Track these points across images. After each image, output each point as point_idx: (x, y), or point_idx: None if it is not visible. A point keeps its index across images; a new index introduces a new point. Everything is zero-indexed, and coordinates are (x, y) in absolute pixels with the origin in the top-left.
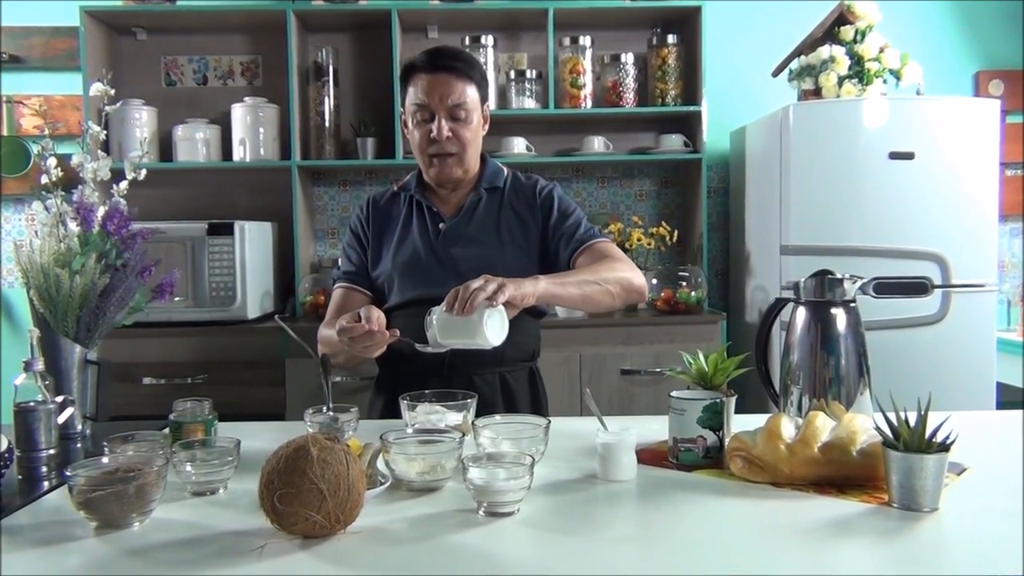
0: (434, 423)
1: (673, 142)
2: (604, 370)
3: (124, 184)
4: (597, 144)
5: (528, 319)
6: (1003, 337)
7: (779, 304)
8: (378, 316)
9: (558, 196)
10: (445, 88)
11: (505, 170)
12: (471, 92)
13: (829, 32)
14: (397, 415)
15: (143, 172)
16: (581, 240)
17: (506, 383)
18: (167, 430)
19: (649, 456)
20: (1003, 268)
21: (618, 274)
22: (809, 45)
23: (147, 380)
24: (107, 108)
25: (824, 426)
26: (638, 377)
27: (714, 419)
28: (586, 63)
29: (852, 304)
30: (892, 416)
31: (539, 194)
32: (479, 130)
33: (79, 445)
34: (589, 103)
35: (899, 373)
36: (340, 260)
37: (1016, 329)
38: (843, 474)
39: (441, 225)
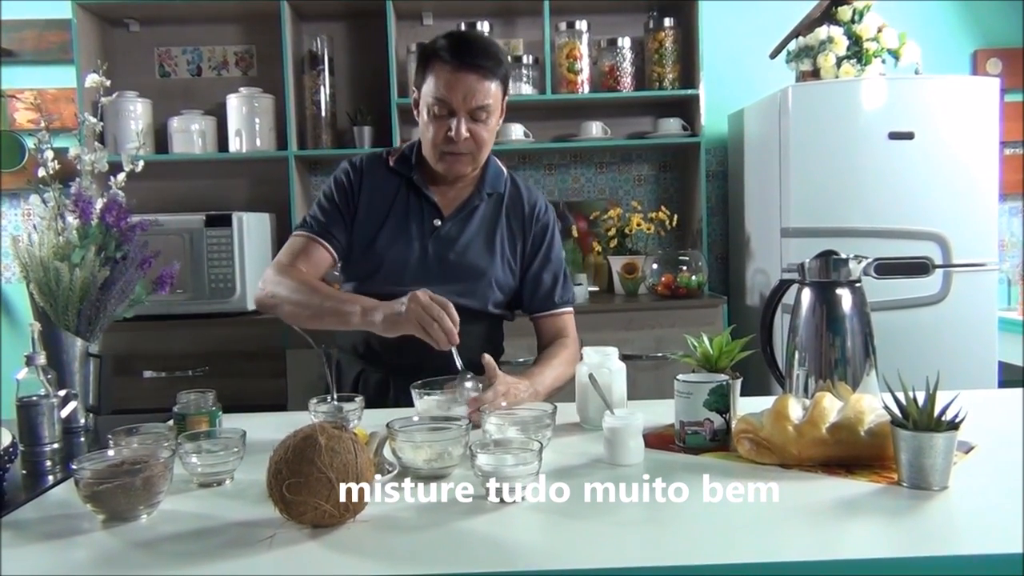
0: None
1: (671, 126)
2: None
3: (122, 176)
4: (595, 129)
5: (496, 325)
6: (1004, 316)
7: (783, 286)
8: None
9: (551, 234)
10: (469, 88)
11: (504, 171)
12: (495, 90)
13: (827, 13)
14: (389, 393)
15: (140, 164)
16: (553, 303)
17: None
18: (171, 422)
19: (656, 440)
20: (1003, 247)
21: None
22: (807, 26)
23: (148, 373)
24: (102, 100)
25: (831, 407)
26: (640, 362)
27: (720, 402)
28: (583, 48)
29: (857, 284)
30: (901, 395)
31: (535, 220)
32: (496, 126)
33: (82, 439)
34: (586, 88)
35: (901, 353)
36: (312, 207)
37: (1017, 308)
38: (851, 454)
39: (436, 222)
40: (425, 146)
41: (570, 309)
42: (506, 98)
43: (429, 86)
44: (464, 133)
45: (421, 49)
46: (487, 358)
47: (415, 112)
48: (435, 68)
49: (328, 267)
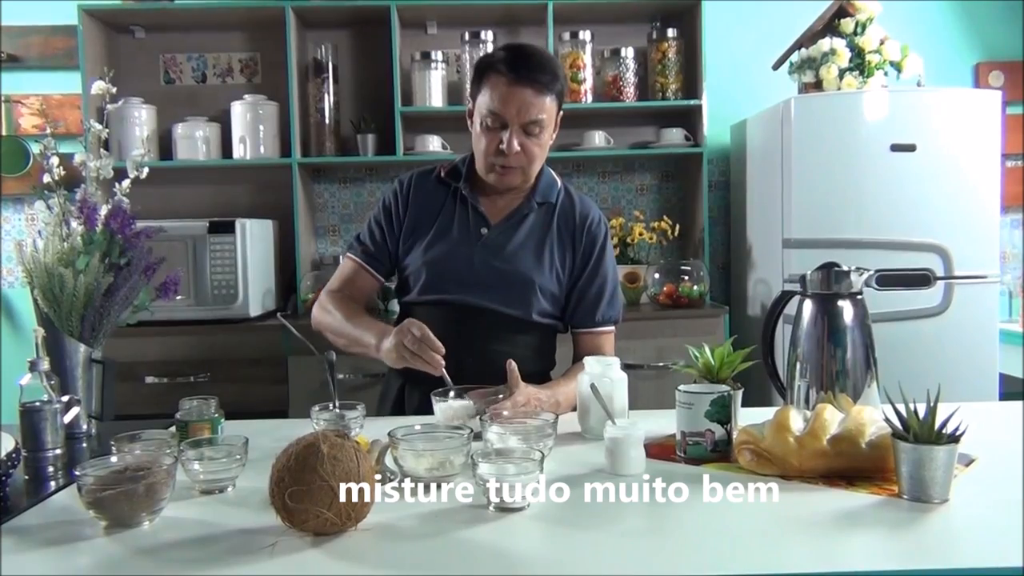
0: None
1: (674, 136)
2: None
3: (127, 183)
4: (598, 139)
5: (547, 335)
6: (1005, 328)
7: (785, 297)
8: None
9: (600, 248)
10: (523, 102)
11: (559, 182)
12: (549, 105)
13: (829, 25)
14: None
15: (145, 171)
16: (592, 321)
17: None
18: (173, 429)
19: (657, 450)
20: (1004, 259)
21: None
22: (809, 38)
23: (149, 379)
24: (108, 107)
25: (832, 418)
26: (641, 371)
27: (722, 412)
28: (586, 58)
29: (859, 296)
30: (901, 408)
31: (585, 232)
32: (549, 141)
33: (85, 445)
34: (589, 98)
35: (901, 365)
36: (363, 231)
37: (1018, 320)
38: (852, 466)
39: (484, 231)
40: (477, 157)
41: (610, 328)
42: (560, 112)
43: (484, 98)
44: (515, 147)
45: (478, 61)
46: (510, 364)
47: (468, 122)
48: (490, 80)
49: (373, 290)
